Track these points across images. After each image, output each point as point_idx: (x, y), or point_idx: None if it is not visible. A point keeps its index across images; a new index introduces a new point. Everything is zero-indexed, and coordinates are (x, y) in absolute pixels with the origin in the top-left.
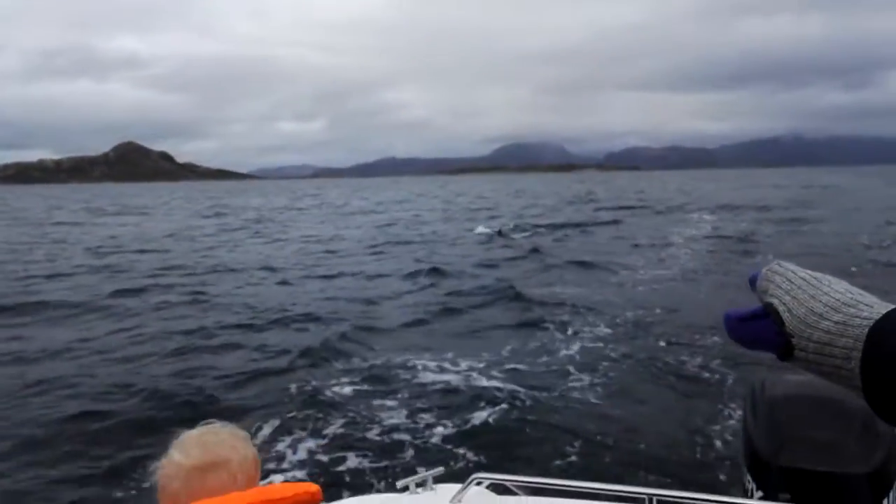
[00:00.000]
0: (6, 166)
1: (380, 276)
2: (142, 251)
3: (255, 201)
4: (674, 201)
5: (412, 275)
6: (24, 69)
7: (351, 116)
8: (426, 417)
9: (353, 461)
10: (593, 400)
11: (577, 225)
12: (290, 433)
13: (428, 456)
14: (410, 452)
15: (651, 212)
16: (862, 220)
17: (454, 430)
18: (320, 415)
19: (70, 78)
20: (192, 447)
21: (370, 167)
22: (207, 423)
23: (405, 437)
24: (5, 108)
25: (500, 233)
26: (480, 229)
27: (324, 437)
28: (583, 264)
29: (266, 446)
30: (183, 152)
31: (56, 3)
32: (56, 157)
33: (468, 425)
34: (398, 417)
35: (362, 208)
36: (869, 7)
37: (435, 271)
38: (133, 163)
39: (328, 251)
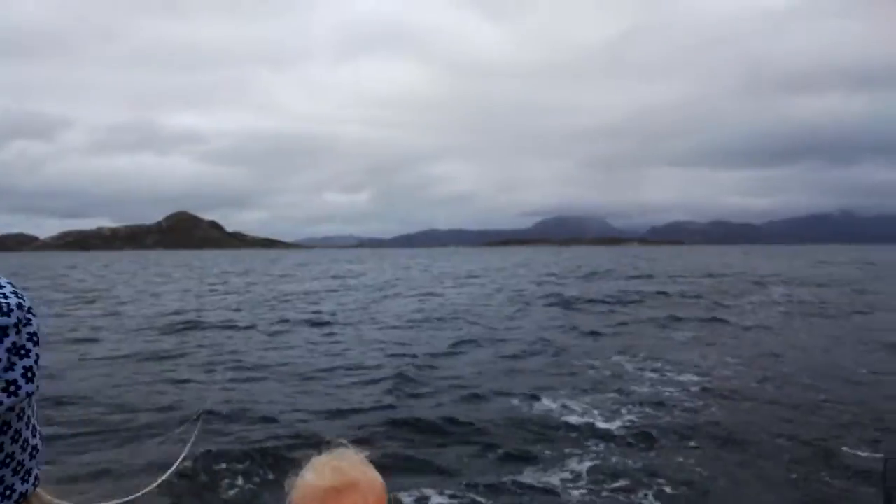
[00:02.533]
0: (67, 233)
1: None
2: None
3: (356, 267)
4: (740, 274)
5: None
6: (91, 143)
7: (396, 189)
8: None
9: None
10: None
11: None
12: None
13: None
14: None
15: (714, 281)
16: None
17: None
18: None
19: (134, 151)
20: (325, 470)
21: (412, 238)
22: (337, 447)
23: None
24: (71, 180)
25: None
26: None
27: None
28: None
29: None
30: (232, 222)
31: (125, 82)
32: (113, 225)
33: None
34: None
35: (455, 273)
36: None
37: None
38: (184, 231)
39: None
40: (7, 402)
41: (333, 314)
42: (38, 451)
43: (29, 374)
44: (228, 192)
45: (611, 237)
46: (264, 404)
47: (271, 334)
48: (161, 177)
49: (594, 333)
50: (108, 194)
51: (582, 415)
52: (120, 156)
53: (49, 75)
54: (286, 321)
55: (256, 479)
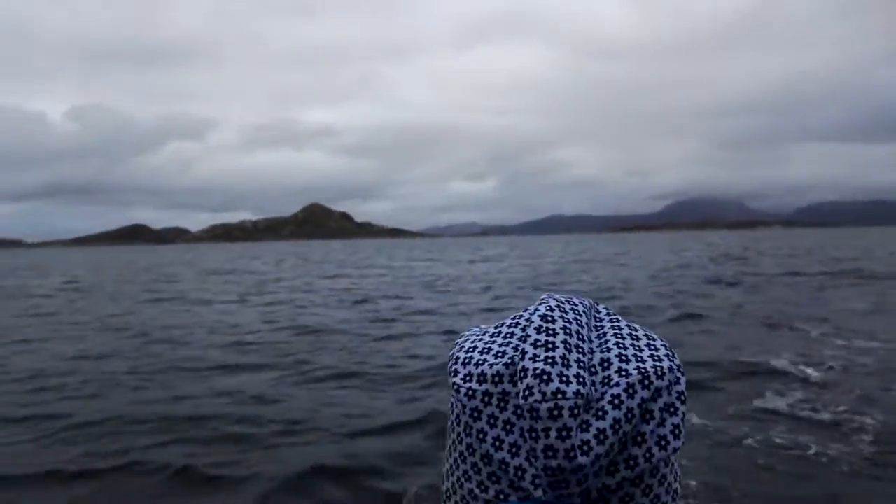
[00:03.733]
0: (215, 226)
1: None
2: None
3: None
4: None
5: None
6: (236, 141)
7: (520, 175)
8: None
9: None
10: None
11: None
12: None
13: None
14: None
15: None
16: None
17: None
18: None
19: (273, 148)
20: None
21: (537, 224)
22: None
23: None
24: (220, 177)
25: None
26: None
27: None
28: None
29: None
30: (360, 212)
31: (265, 82)
32: (254, 218)
33: None
34: None
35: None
36: None
37: None
38: (317, 222)
39: None
40: (658, 454)
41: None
42: (678, 494)
43: (676, 431)
44: (356, 184)
45: (749, 220)
46: None
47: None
48: (297, 170)
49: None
50: (250, 189)
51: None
52: (262, 152)
53: (197, 80)
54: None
55: None
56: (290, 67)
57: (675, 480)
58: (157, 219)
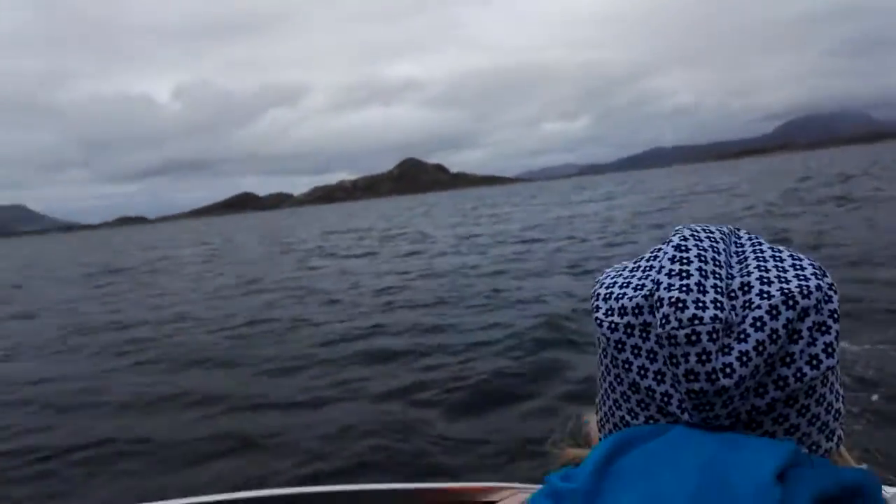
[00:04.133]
0: (315, 189)
1: None
2: None
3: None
4: None
5: None
6: (329, 103)
7: (613, 110)
8: None
9: None
10: None
11: None
12: None
13: None
14: None
15: None
16: None
17: None
18: None
19: (364, 106)
20: None
21: (636, 160)
22: None
23: None
24: (313, 140)
25: None
26: None
27: None
28: None
29: None
30: (454, 163)
31: (348, 41)
32: (352, 177)
33: None
34: None
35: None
36: None
37: None
38: (413, 177)
39: None
40: (810, 374)
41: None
42: (840, 413)
43: (829, 350)
44: (448, 135)
45: (874, 132)
46: None
47: None
48: (387, 127)
49: None
50: (345, 149)
51: None
52: (352, 112)
53: (287, 46)
54: None
55: None
56: (370, 23)
57: (838, 400)
58: (262, 185)
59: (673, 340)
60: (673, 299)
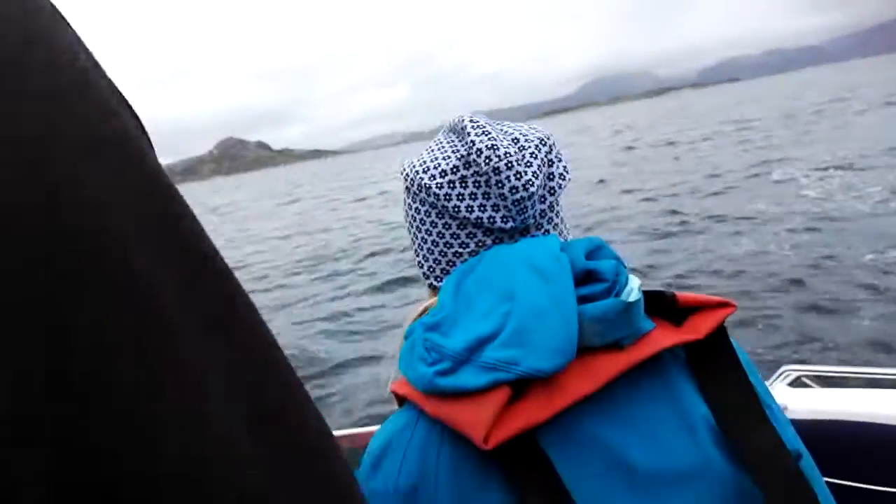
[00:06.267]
0: None
1: None
2: None
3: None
4: None
5: None
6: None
7: (431, 78)
8: None
9: None
10: None
11: None
12: None
13: None
14: None
15: None
16: None
17: None
18: None
19: (167, 86)
20: None
21: None
22: None
23: None
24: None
25: None
26: None
27: None
28: None
29: None
30: (277, 139)
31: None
32: (167, 161)
33: None
34: None
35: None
36: None
37: None
38: (234, 156)
39: None
40: (563, 184)
41: None
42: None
43: (566, 169)
44: (265, 111)
45: (659, 88)
46: None
47: None
48: (201, 107)
49: None
50: (154, 131)
51: None
52: (157, 93)
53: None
54: None
55: None
56: None
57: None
58: None
59: (497, 170)
60: (489, 145)
